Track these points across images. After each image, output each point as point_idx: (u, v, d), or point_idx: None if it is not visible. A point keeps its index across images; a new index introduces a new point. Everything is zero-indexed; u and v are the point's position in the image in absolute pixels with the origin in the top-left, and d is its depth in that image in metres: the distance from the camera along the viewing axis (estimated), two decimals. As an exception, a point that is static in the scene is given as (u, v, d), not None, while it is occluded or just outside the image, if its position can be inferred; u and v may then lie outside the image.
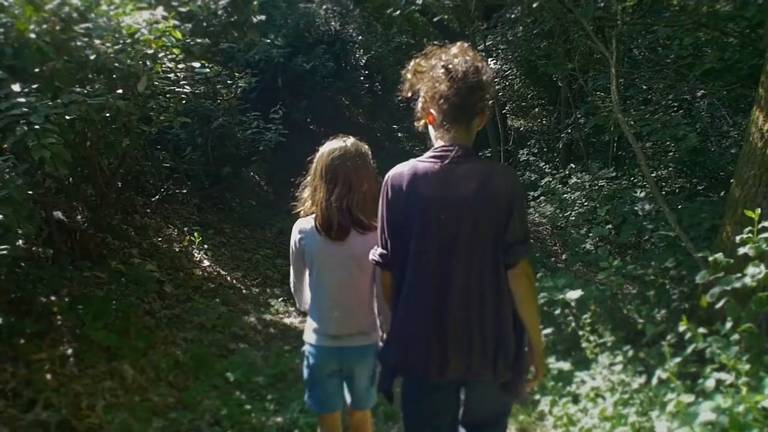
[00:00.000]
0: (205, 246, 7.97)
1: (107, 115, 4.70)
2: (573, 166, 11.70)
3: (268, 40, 9.07)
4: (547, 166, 15.59)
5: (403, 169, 2.46)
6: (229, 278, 7.52)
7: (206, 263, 7.58)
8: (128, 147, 5.39)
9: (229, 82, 8.91)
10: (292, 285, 3.14)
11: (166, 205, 8.73)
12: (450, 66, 2.38)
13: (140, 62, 4.62)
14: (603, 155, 13.49)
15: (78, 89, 4.16)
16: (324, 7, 14.96)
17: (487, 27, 12.21)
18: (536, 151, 17.19)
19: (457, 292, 2.39)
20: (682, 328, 4.04)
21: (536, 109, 18.87)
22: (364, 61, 16.38)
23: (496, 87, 13.52)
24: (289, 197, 3.10)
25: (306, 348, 3.02)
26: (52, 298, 5.08)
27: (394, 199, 2.45)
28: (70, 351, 4.60)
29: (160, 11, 4.81)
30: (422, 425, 2.63)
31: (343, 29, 15.05)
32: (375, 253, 2.58)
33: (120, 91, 4.75)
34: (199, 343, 5.60)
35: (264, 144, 9.44)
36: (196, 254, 7.67)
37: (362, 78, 16.14)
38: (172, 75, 5.21)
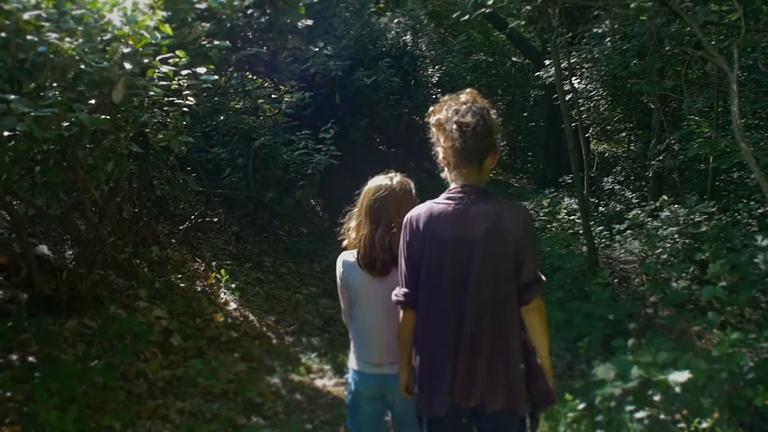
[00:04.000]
0: (234, 284, 6.89)
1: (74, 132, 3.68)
2: (666, 198, 10.29)
3: (317, 49, 7.95)
4: (635, 195, 14.22)
5: (420, 211, 2.61)
6: (257, 324, 6.40)
7: (232, 306, 6.48)
8: (117, 171, 4.35)
9: (273, 96, 7.87)
10: (343, 315, 3.16)
11: (199, 234, 7.74)
12: (457, 118, 2.51)
13: (115, 64, 3.55)
14: (696, 186, 11.98)
15: (13, 97, 3.10)
16: (396, 20, 13.92)
17: (571, 42, 10.92)
18: (622, 179, 15.87)
19: (471, 326, 2.50)
20: None
21: (623, 134, 17.42)
22: (436, 78, 15.23)
23: (580, 108, 12.26)
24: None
25: (350, 375, 3.08)
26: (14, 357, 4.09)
27: (413, 239, 2.59)
28: (9, 439, 3.55)
29: (143, -1, 3.73)
30: None
31: (414, 43, 13.91)
32: (399, 292, 2.64)
33: (93, 101, 3.71)
34: (197, 418, 4.46)
35: (312, 167, 8.36)
36: (222, 294, 6.59)
37: (434, 96, 14.92)
38: (172, 83, 4.13)
